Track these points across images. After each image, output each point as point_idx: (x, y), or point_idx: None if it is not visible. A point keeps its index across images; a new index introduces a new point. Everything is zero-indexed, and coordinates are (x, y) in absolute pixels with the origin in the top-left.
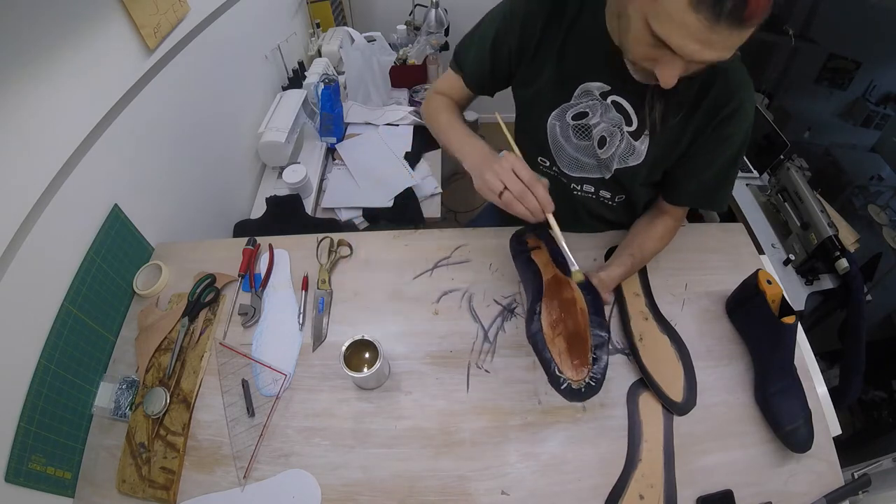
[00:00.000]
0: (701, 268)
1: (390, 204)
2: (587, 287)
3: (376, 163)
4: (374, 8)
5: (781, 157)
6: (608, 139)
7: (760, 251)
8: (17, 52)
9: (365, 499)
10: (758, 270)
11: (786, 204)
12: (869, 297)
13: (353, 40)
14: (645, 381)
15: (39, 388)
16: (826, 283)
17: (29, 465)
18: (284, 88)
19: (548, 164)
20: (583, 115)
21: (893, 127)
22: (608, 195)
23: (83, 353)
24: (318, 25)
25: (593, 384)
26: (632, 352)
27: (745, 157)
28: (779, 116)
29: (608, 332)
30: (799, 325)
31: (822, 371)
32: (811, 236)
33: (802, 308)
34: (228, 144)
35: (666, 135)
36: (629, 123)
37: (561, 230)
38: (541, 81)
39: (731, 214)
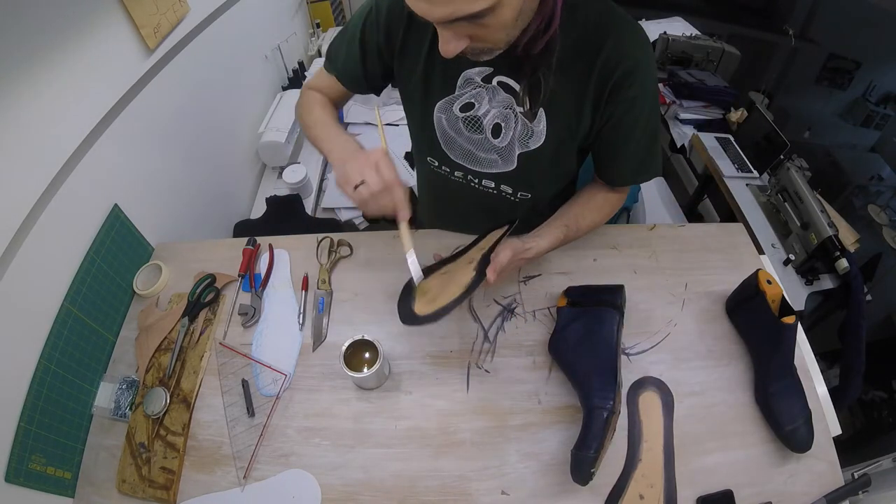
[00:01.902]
0: (701, 268)
1: None
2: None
3: None
4: None
5: (781, 157)
6: (503, 125)
7: (760, 251)
8: (16, 52)
9: (365, 499)
10: (758, 270)
11: (786, 204)
12: (869, 297)
13: None
14: (642, 382)
15: (39, 388)
16: (826, 283)
17: (29, 465)
18: (284, 88)
19: (437, 163)
20: (470, 106)
21: (893, 127)
22: (510, 190)
23: (83, 353)
24: (318, 25)
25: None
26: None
27: (744, 157)
28: (779, 116)
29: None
30: (799, 325)
31: (822, 371)
32: (811, 236)
33: (802, 308)
34: (228, 144)
35: (560, 111)
36: (521, 103)
37: (462, 231)
38: (417, 74)
39: (731, 214)
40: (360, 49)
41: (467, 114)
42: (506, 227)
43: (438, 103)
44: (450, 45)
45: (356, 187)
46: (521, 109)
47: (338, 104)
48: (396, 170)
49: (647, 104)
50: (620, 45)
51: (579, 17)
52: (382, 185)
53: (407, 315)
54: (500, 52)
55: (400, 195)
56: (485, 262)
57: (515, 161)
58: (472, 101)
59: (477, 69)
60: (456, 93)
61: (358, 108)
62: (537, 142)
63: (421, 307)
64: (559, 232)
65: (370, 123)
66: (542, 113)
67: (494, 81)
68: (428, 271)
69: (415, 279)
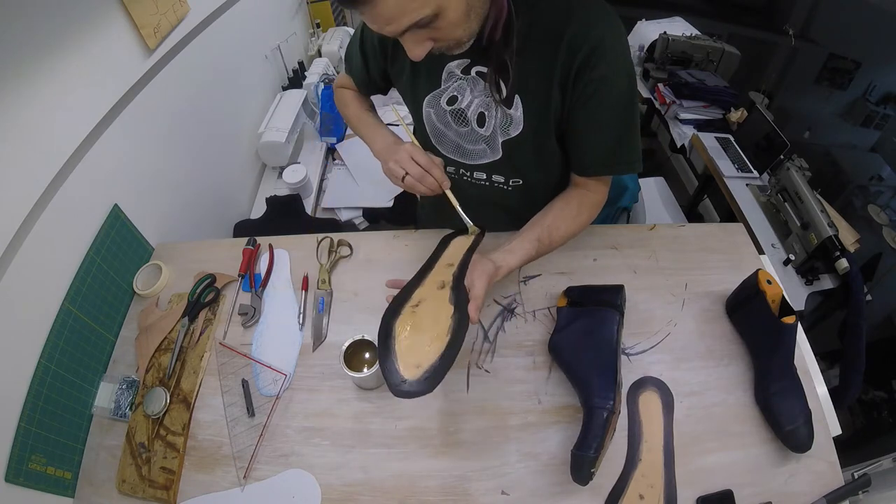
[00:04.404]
0: (701, 268)
1: (390, 204)
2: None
3: (376, 163)
4: None
5: (781, 157)
6: (486, 114)
7: (760, 251)
8: (17, 53)
9: (365, 499)
10: (758, 270)
11: (786, 204)
12: (869, 297)
13: None
14: (641, 381)
15: (39, 388)
16: (826, 283)
17: (29, 465)
18: (284, 88)
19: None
20: (455, 98)
21: (893, 127)
22: (501, 179)
23: (83, 353)
24: (318, 25)
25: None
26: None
27: (744, 157)
28: (779, 116)
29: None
30: (799, 325)
31: (822, 371)
32: (811, 236)
33: (802, 308)
34: (228, 144)
35: (533, 95)
36: (496, 90)
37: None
38: (406, 72)
39: (731, 214)
40: (361, 53)
41: (453, 107)
42: (472, 239)
43: (427, 98)
44: (415, 51)
45: (403, 179)
46: (497, 97)
47: (367, 96)
48: (425, 155)
49: (616, 87)
50: (585, 23)
51: None
52: (421, 171)
53: (397, 385)
54: (468, 43)
55: (438, 173)
56: (459, 292)
57: (500, 149)
58: (456, 94)
59: (456, 62)
60: (442, 86)
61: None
62: (517, 129)
63: (406, 366)
64: (531, 246)
65: (391, 124)
66: (518, 100)
67: (473, 72)
68: (398, 305)
69: (467, 225)
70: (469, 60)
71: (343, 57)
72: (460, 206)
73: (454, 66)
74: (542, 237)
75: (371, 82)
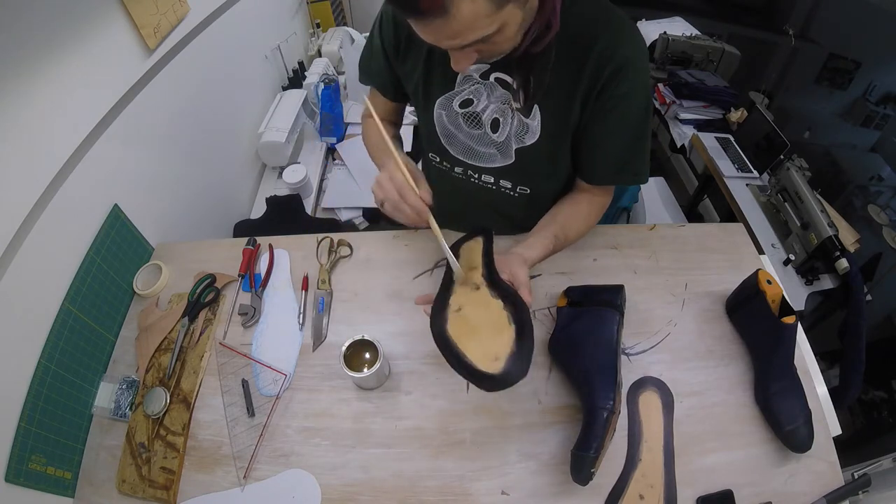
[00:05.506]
0: (701, 268)
1: None
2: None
3: None
4: (373, 8)
5: (781, 157)
6: (501, 120)
7: (760, 251)
8: (17, 53)
9: (365, 499)
10: (758, 270)
11: (786, 204)
12: (869, 297)
13: (353, 40)
14: (641, 381)
15: (39, 388)
16: (826, 283)
17: (29, 465)
18: (284, 88)
19: (438, 159)
20: (469, 102)
21: (893, 127)
22: (509, 185)
23: (83, 353)
24: (318, 25)
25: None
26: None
27: (744, 157)
28: (779, 116)
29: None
30: (799, 325)
31: (822, 371)
32: (811, 236)
33: (802, 308)
34: (228, 144)
35: (553, 106)
36: (517, 99)
37: (464, 229)
38: (418, 73)
39: (731, 214)
40: (383, 54)
41: (467, 109)
42: (483, 241)
43: (439, 100)
44: (462, 64)
45: (382, 205)
46: (517, 105)
47: (395, 121)
48: (402, 176)
49: (636, 103)
50: (613, 42)
51: (574, 12)
52: (397, 198)
53: (489, 379)
54: (504, 54)
55: (412, 198)
56: (500, 286)
57: (513, 155)
58: (471, 97)
59: (475, 66)
60: (456, 89)
61: (358, 108)
62: (532, 138)
63: (485, 365)
64: (548, 242)
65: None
66: (536, 109)
67: (491, 77)
68: (441, 313)
69: (453, 268)
70: (489, 66)
71: (342, 58)
72: (460, 212)
73: (472, 70)
74: (559, 234)
75: (395, 84)
